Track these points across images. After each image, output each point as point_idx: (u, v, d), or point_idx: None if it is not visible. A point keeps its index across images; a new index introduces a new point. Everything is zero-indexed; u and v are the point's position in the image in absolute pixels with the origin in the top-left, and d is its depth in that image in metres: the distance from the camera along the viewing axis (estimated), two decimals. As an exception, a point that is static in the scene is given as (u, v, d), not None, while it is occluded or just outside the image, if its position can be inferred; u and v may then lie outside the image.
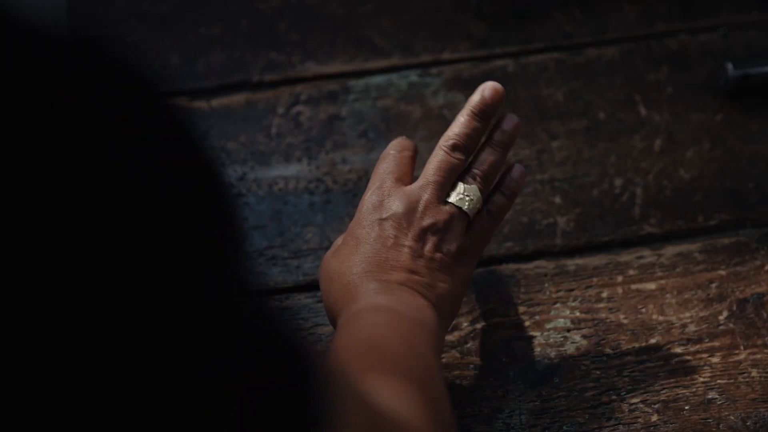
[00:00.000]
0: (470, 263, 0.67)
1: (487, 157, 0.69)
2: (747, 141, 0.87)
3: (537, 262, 0.79)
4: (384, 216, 0.66)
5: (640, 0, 0.97)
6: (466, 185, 0.67)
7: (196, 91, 0.91)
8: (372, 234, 0.65)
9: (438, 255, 0.65)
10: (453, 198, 0.67)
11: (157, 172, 0.33)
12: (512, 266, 0.79)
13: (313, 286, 0.79)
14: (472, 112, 0.68)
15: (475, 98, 0.69)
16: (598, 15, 0.96)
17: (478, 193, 0.67)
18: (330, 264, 0.67)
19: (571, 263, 0.79)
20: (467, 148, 0.68)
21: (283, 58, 0.94)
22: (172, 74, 0.93)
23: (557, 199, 0.83)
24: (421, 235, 0.65)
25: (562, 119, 0.89)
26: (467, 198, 0.67)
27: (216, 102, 0.91)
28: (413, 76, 0.92)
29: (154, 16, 0.96)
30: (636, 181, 0.84)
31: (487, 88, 0.69)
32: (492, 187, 0.70)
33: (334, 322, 0.66)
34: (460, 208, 0.67)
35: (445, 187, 0.67)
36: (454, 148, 0.68)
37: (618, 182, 0.84)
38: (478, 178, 0.68)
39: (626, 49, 0.94)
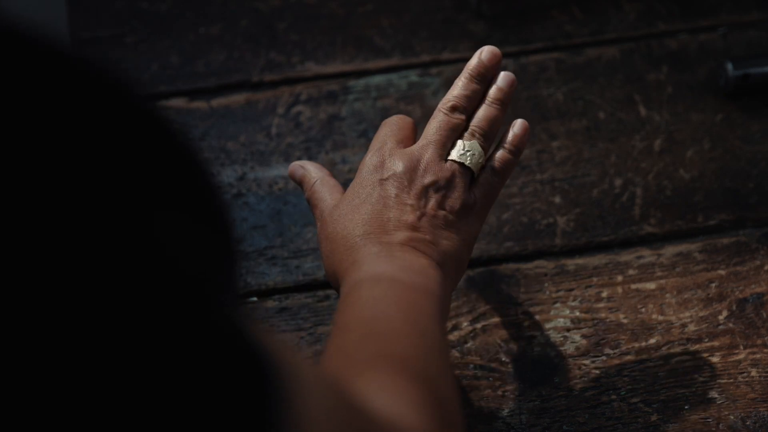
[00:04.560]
0: (476, 222, 0.67)
1: (485, 113, 0.68)
2: (747, 141, 0.87)
3: (537, 262, 0.79)
4: (385, 176, 0.66)
5: (640, 0, 0.97)
6: (466, 141, 0.67)
7: (196, 91, 0.91)
8: (374, 194, 0.65)
9: (441, 212, 0.65)
10: (454, 155, 0.67)
11: (147, 178, 0.33)
12: (512, 266, 0.79)
13: (313, 286, 0.79)
14: (470, 74, 0.69)
15: (473, 61, 0.69)
16: (598, 15, 0.96)
17: (479, 148, 0.67)
18: (330, 226, 0.66)
19: (571, 263, 0.79)
20: (466, 109, 0.69)
21: (283, 58, 0.94)
22: (172, 74, 0.93)
23: (557, 199, 0.83)
24: (423, 193, 0.65)
25: (562, 119, 0.89)
26: (468, 153, 0.67)
27: (216, 102, 0.91)
28: (413, 76, 0.92)
29: (154, 16, 0.96)
30: (636, 181, 0.84)
31: (485, 51, 0.69)
32: (496, 145, 0.70)
33: (336, 286, 0.65)
34: (462, 164, 0.67)
35: (446, 145, 0.67)
36: (453, 109, 0.68)
37: (618, 182, 0.84)
38: (477, 134, 0.68)
39: (626, 49, 0.94)
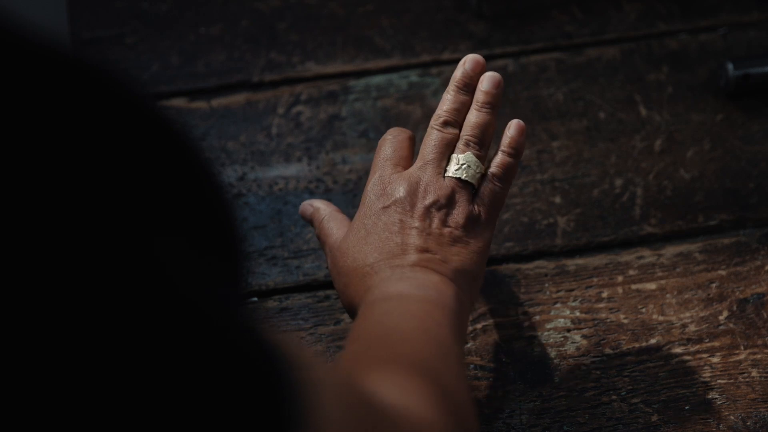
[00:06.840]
0: (485, 231, 0.67)
1: (475, 120, 0.68)
2: (747, 141, 0.87)
3: (537, 262, 0.79)
4: (387, 203, 0.66)
5: (640, 0, 0.97)
6: (460, 155, 0.67)
7: (196, 91, 0.91)
8: (379, 223, 0.66)
9: (447, 229, 0.65)
10: (451, 171, 0.67)
11: (152, 177, 0.33)
12: (512, 266, 0.79)
13: (313, 287, 0.79)
14: (457, 86, 0.69)
15: (458, 73, 0.69)
16: (598, 15, 0.96)
17: (474, 158, 0.67)
18: (341, 260, 0.67)
19: (572, 263, 0.79)
20: (457, 121, 0.68)
21: (283, 58, 0.94)
22: (172, 74, 0.93)
23: (557, 199, 0.83)
24: (426, 214, 0.65)
25: (562, 119, 0.89)
26: (464, 166, 0.67)
27: (216, 102, 0.91)
28: (413, 76, 0.92)
29: (154, 16, 0.96)
30: (636, 181, 0.84)
31: (468, 61, 0.69)
32: (494, 150, 0.69)
33: (354, 317, 0.65)
34: (459, 179, 0.67)
35: (442, 162, 0.67)
36: (446, 124, 0.68)
37: (618, 182, 0.84)
38: (471, 144, 0.67)
39: (626, 49, 0.94)
